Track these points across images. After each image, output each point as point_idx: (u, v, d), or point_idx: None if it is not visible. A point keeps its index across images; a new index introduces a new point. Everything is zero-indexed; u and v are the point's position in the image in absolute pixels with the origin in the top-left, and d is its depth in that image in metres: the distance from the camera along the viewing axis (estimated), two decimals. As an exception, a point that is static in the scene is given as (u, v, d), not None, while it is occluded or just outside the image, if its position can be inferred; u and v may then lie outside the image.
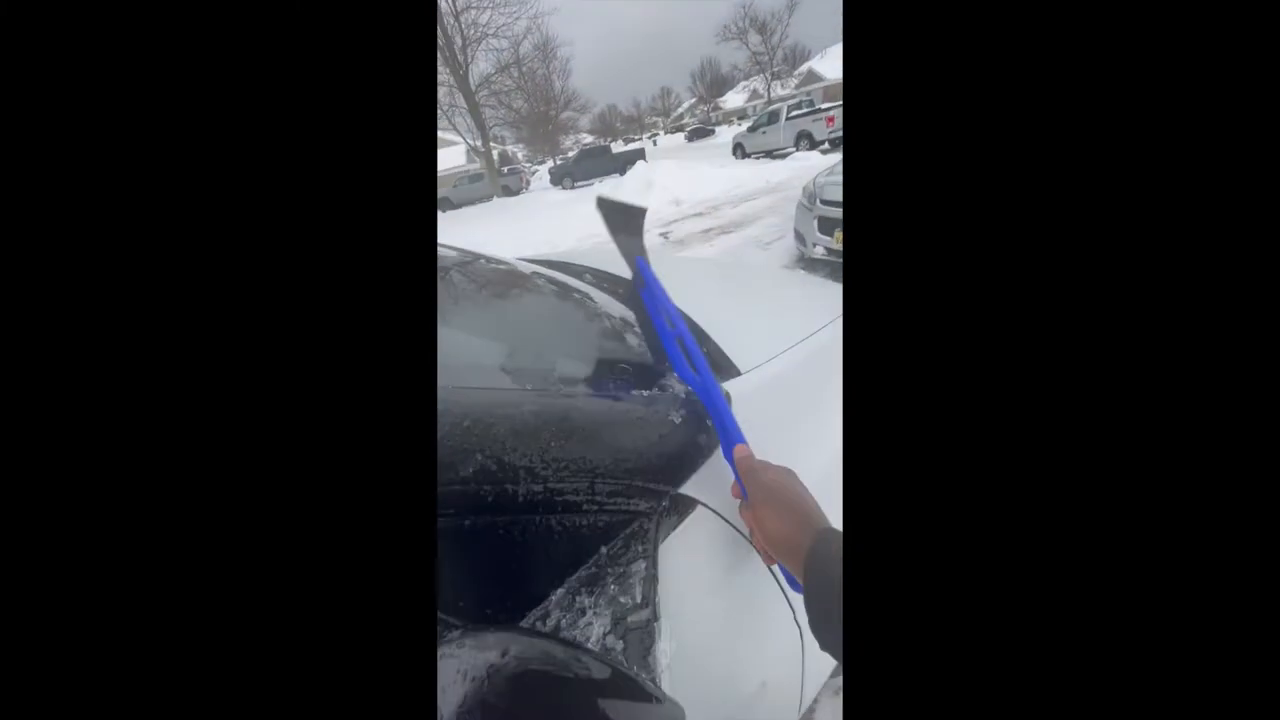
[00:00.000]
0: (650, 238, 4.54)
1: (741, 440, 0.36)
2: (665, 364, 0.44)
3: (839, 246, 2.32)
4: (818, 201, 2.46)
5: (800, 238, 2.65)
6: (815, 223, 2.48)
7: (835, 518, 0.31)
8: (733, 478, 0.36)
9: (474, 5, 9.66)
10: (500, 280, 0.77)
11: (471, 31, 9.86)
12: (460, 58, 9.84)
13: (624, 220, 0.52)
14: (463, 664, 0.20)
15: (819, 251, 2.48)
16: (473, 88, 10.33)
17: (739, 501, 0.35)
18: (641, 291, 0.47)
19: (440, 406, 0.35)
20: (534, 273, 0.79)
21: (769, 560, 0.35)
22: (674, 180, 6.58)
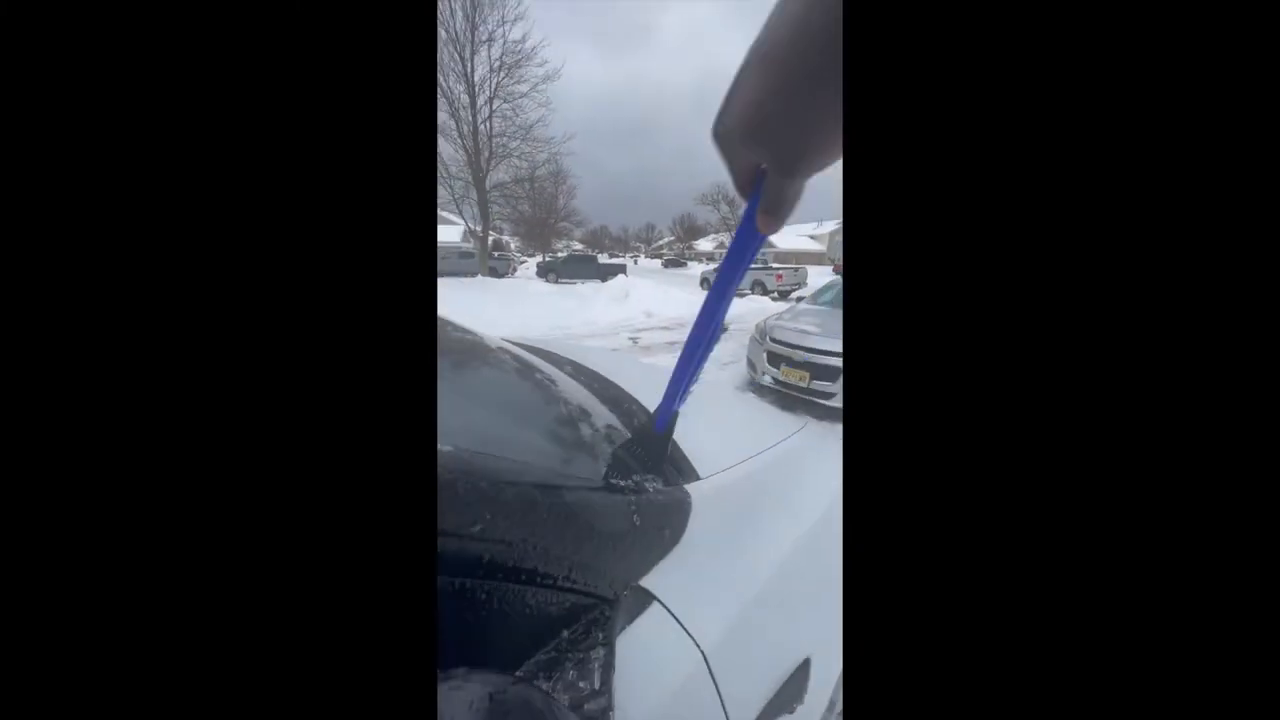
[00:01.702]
0: (620, 339, 4.92)
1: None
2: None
3: (785, 379, 2.69)
4: (768, 339, 2.93)
5: (751, 365, 3.04)
6: (765, 355, 2.89)
7: (797, 594, 0.33)
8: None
9: (507, 133, 11.71)
10: (464, 350, 0.77)
11: (500, 150, 11.74)
12: (484, 166, 11.47)
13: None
14: (469, 695, 0.22)
15: (767, 380, 2.85)
16: (487, 188, 11.80)
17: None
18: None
19: (454, 465, 0.38)
20: (499, 347, 0.81)
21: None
22: (648, 296, 7.42)
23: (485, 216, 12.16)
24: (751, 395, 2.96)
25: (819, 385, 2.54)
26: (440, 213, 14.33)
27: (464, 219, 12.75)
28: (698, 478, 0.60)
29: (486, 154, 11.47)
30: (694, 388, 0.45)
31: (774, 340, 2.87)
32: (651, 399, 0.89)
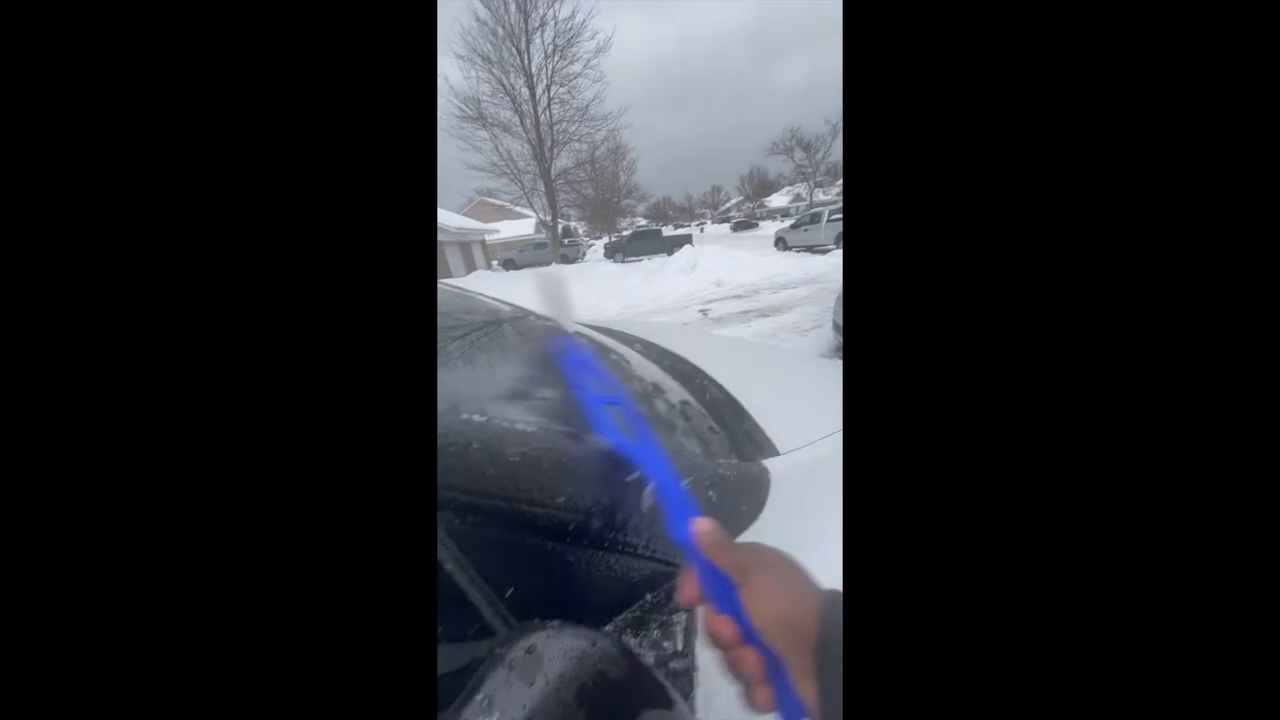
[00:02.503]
0: (690, 313, 4.81)
1: (697, 514, 0.27)
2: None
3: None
4: (857, 298, 2.59)
5: (839, 329, 2.73)
6: (854, 317, 2.58)
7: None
8: (693, 564, 0.25)
9: (565, 118, 11.88)
10: (546, 335, 0.83)
11: (561, 137, 12.00)
12: (547, 155, 11.88)
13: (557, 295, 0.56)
14: (564, 644, 0.23)
15: (857, 344, 2.55)
16: (552, 177, 12.25)
17: (700, 603, 0.25)
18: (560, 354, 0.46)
19: (541, 441, 0.41)
20: (576, 332, 0.83)
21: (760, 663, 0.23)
22: (717, 263, 7.09)
23: (553, 206, 12.69)
24: (839, 363, 2.69)
25: None
26: (513, 207, 15.24)
27: (534, 211, 13.46)
28: (776, 453, 0.58)
29: (549, 143, 11.82)
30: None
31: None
32: (722, 372, 0.86)
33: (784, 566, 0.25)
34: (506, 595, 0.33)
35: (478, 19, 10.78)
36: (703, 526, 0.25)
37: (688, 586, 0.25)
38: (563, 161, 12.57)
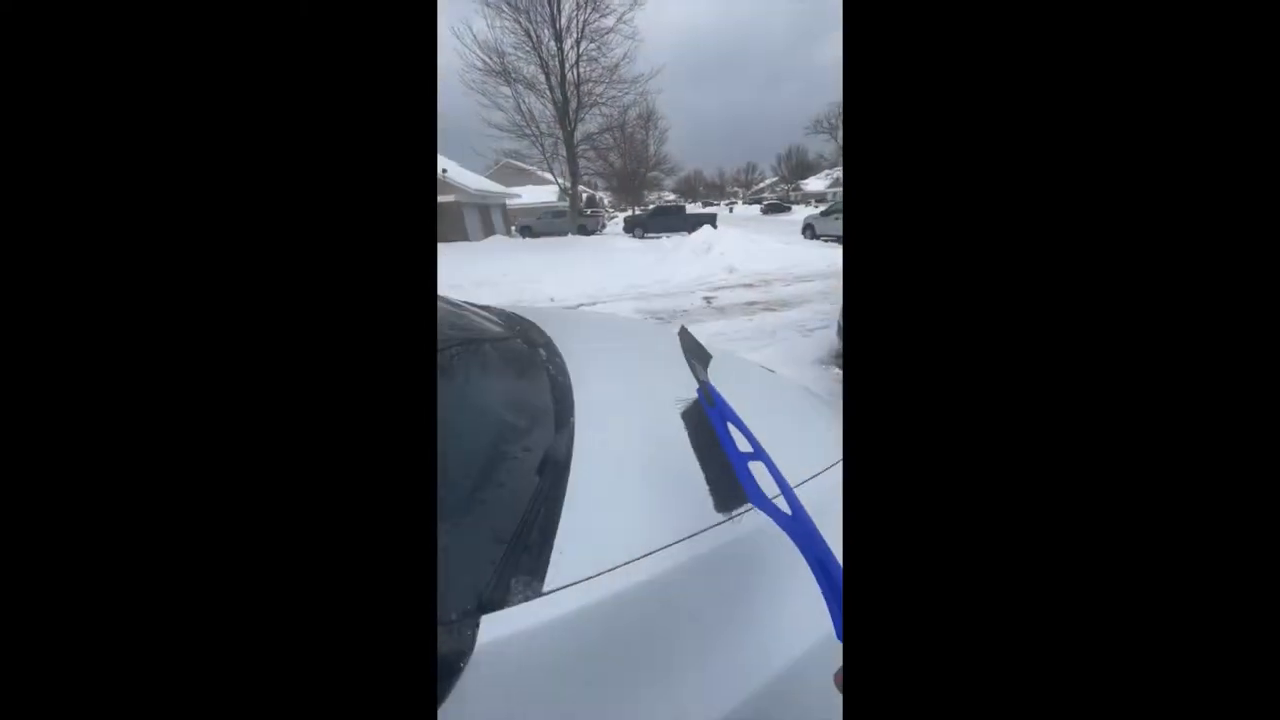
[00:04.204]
0: (694, 299, 4.59)
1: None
2: (736, 493, 0.36)
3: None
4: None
5: (841, 333, 2.49)
6: (858, 322, 2.33)
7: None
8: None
9: (593, 78, 11.23)
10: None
11: (588, 98, 11.40)
12: (571, 118, 11.33)
13: (697, 354, 0.53)
14: None
15: (858, 353, 2.31)
16: (575, 142, 11.74)
17: None
18: (710, 411, 0.41)
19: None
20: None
21: None
22: (733, 248, 6.72)
23: (574, 172, 12.22)
24: (836, 371, 2.46)
25: None
26: (539, 172, 14.76)
27: (555, 176, 13.00)
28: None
29: (574, 104, 11.25)
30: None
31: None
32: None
33: None
34: None
35: (508, -39, 10.11)
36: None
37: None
38: (588, 125, 11.99)
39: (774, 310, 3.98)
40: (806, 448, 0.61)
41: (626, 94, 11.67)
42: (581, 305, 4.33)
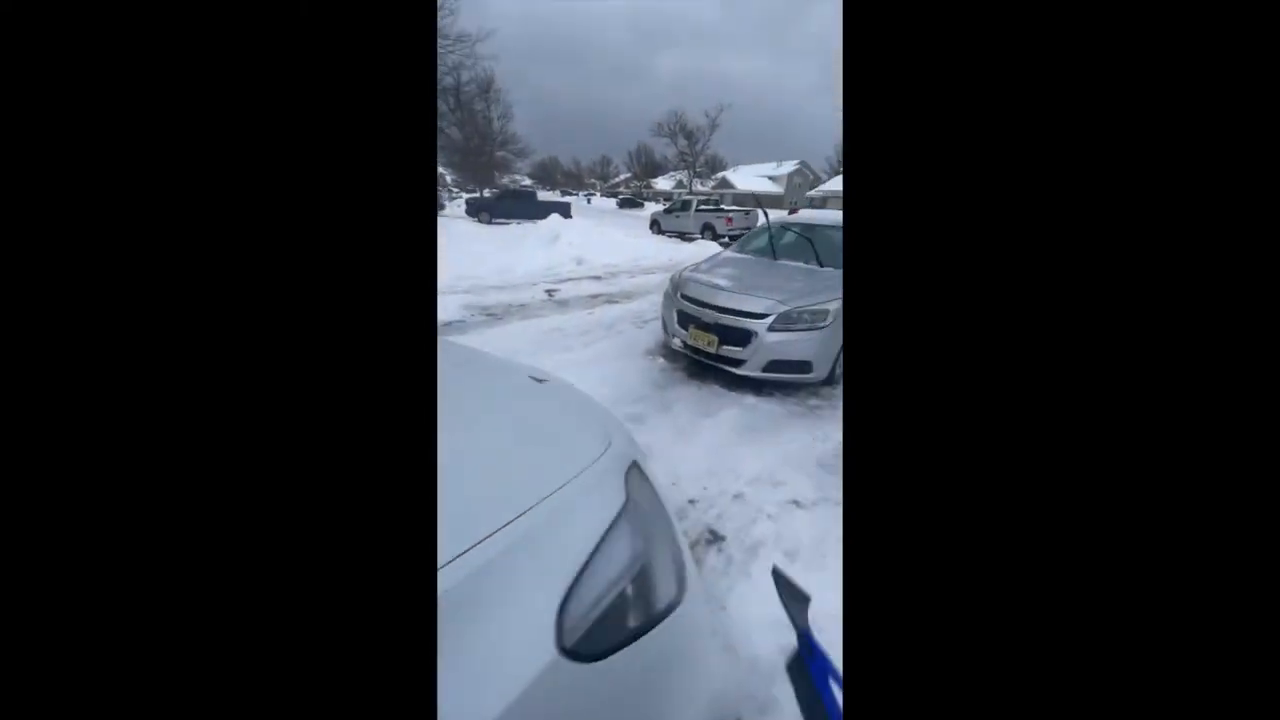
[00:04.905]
0: (537, 291, 4.30)
1: None
2: None
3: (694, 343, 2.30)
4: (679, 294, 2.48)
5: (664, 325, 2.62)
6: (675, 314, 2.47)
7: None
8: None
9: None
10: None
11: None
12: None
13: (793, 595, 0.52)
14: None
15: (677, 343, 2.45)
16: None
17: None
18: (810, 664, 0.42)
19: None
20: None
21: None
22: (582, 240, 6.64)
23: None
24: (662, 361, 2.59)
25: (728, 351, 2.18)
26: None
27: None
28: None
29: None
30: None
31: (684, 297, 2.44)
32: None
33: None
34: None
35: None
36: None
37: None
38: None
39: (616, 303, 4.04)
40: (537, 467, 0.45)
41: (450, 51, 10.14)
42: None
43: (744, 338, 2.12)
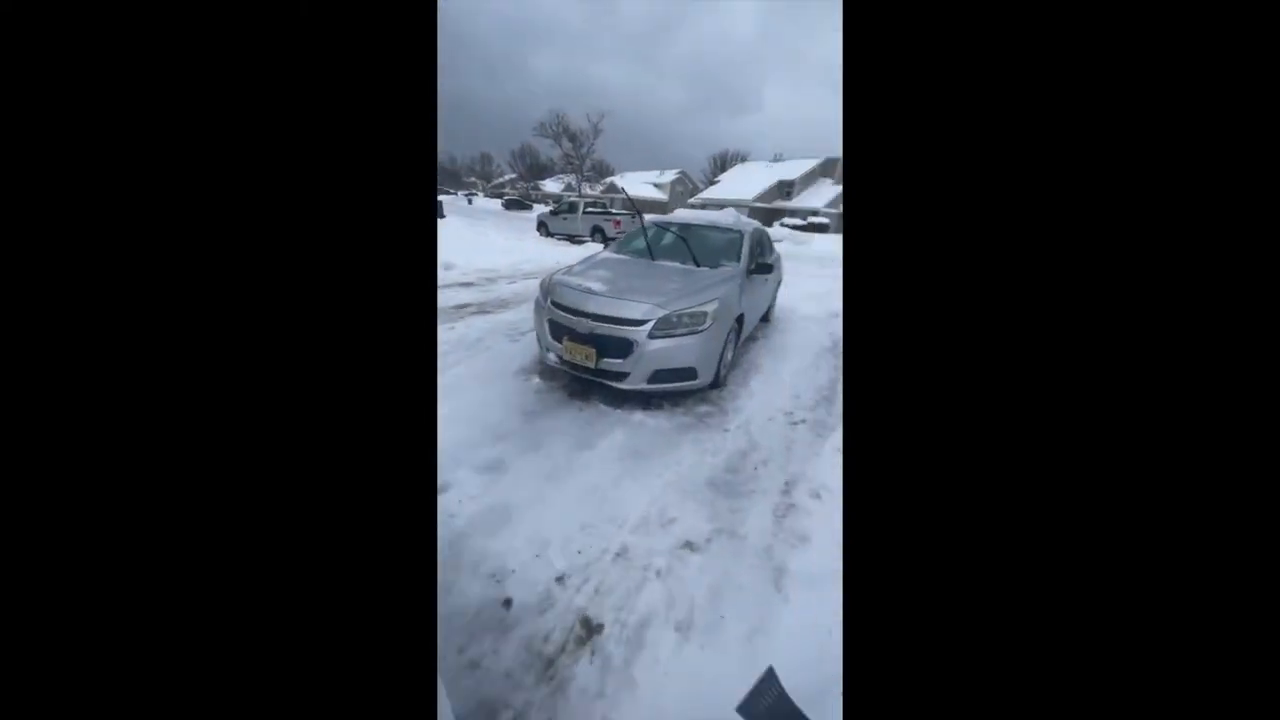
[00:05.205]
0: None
1: None
2: None
3: (570, 357, 1.97)
4: (549, 302, 2.12)
5: (539, 338, 2.22)
6: (547, 325, 2.11)
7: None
8: None
9: None
10: None
11: None
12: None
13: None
14: None
15: (551, 358, 2.09)
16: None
17: None
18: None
19: None
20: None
21: None
22: (455, 242, 5.76)
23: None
24: (538, 381, 2.19)
25: (609, 364, 1.90)
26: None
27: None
28: None
29: None
30: None
31: (555, 304, 2.08)
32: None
33: None
34: None
35: None
36: None
37: None
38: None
39: (488, 312, 3.47)
40: None
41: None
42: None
43: (624, 348, 1.87)
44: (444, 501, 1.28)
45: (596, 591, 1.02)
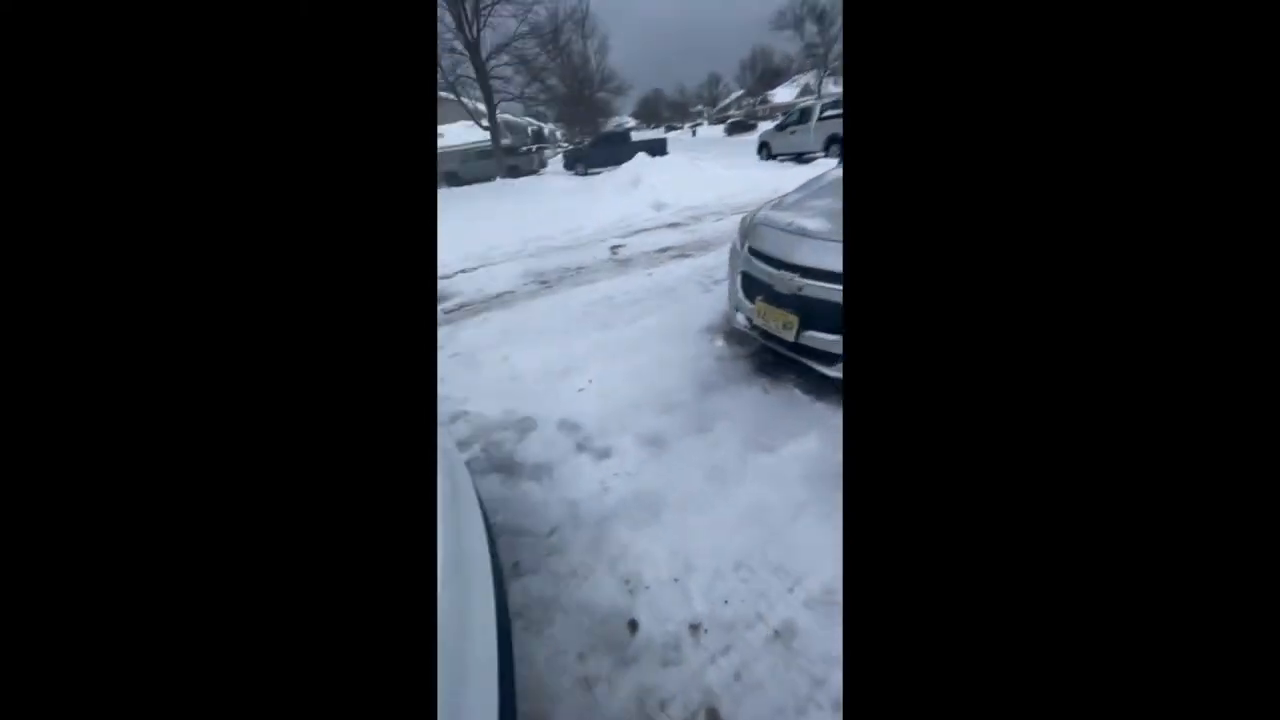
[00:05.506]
0: (601, 250, 3.81)
1: None
2: None
3: (762, 322, 1.52)
4: (746, 248, 1.67)
5: (730, 294, 1.85)
6: (739, 279, 1.69)
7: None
8: None
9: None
10: None
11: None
12: (469, 20, 9.13)
13: None
14: None
15: (740, 321, 1.69)
16: (484, 58, 9.63)
17: None
18: None
19: None
20: None
21: None
22: (666, 180, 5.75)
23: (488, 96, 10.20)
24: (721, 344, 1.89)
25: (812, 339, 1.34)
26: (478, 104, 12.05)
27: (464, 105, 10.80)
28: None
29: (468, 8, 9.02)
30: None
31: (754, 252, 1.61)
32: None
33: None
34: None
35: None
36: None
37: None
38: (497, 36, 9.80)
39: (688, 256, 3.29)
40: None
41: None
42: (459, 273, 3.53)
43: (840, 318, 1.28)
44: (602, 470, 1.25)
45: (737, 678, 0.75)
